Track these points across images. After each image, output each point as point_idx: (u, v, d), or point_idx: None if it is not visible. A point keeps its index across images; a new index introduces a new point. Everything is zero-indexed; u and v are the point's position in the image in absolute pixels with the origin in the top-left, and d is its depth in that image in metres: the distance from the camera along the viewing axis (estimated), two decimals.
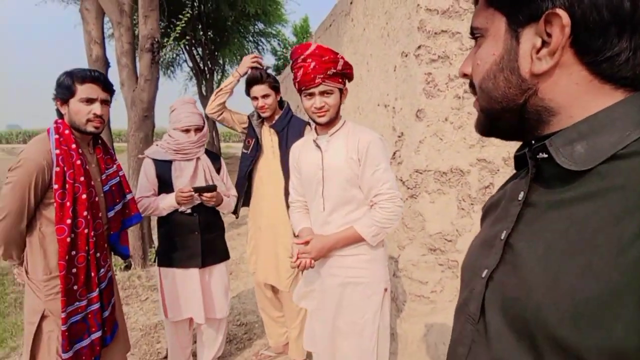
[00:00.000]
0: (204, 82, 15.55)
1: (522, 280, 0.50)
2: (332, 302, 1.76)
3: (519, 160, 0.61)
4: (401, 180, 2.75)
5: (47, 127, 1.76)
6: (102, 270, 1.89)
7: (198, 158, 2.34)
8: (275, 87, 2.41)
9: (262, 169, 2.50)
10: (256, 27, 15.39)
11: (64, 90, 1.72)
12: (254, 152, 2.49)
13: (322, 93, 1.66)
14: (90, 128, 1.76)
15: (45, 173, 1.64)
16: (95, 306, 1.85)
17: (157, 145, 2.37)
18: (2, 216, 1.65)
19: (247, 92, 2.44)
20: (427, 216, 2.78)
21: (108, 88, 1.80)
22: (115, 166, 1.98)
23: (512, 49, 0.53)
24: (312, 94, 1.67)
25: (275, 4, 13.48)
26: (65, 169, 1.66)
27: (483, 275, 0.58)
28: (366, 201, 1.73)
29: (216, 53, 15.61)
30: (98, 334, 1.85)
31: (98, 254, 1.84)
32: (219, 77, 17.10)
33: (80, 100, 1.72)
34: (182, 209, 2.30)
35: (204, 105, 15.53)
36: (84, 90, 1.72)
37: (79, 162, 1.71)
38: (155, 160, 2.31)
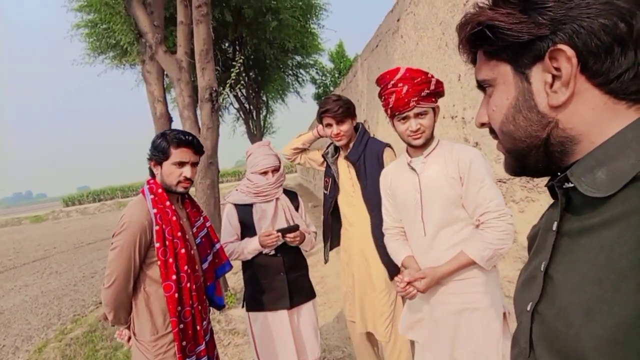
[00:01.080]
0: (251, 121, 16.19)
1: (561, 311, 0.51)
2: (448, 333, 1.66)
3: (552, 191, 0.62)
4: None
5: (141, 189, 1.85)
6: (205, 322, 1.91)
7: (277, 198, 2.36)
8: (350, 112, 2.33)
9: (344, 207, 2.42)
10: (294, 60, 15.90)
11: (159, 153, 1.80)
12: (332, 192, 2.44)
13: (416, 115, 1.63)
14: (179, 189, 1.83)
15: (147, 233, 1.71)
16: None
17: (237, 190, 2.41)
18: (111, 281, 1.71)
19: (320, 120, 2.38)
20: (518, 227, 2.60)
21: (198, 151, 1.88)
22: (202, 218, 2.03)
23: (524, 89, 0.55)
24: (406, 118, 1.65)
25: (312, 35, 13.88)
26: (164, 226, 1.72)
27: (528, 309, 0.59)
28: (471, 220, 1.65)
29: (260, 92, 16.25)
30: None
31: (200, 307, 1.87)
32: (264, 114, 17.73)
33: (173, 164, 1.79)
34: (266, 250, 2.31)
35: (254, 142, 16.11)
36: (177, 154, 1.80)
37: (174, 218, 1.77)
38: (237, 206, 2.35)
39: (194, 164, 1.87)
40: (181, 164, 1.81)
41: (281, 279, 2.33)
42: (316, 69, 17.89)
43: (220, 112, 17.70)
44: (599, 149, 0.51)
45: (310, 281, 2.51)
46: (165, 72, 4.64)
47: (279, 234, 2.23)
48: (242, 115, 16.27)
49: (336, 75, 22.40)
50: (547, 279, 0.56)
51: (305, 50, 14.50)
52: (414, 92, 1.59)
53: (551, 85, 0.52)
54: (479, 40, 0.57)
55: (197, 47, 4.18)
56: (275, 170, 2.34)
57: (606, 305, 0.44)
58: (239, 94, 15.72)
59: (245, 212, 2.34)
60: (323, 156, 2.51)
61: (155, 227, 1.70)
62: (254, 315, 2.37)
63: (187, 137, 1.84)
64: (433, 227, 1.67)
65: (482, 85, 0.61)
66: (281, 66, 15.44)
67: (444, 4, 2.98)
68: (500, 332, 1.62)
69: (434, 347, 1.72)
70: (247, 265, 2.40)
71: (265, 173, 2.32)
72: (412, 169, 1.73)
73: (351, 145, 2.34)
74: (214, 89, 4.26)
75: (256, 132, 15.87)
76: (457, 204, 1.64)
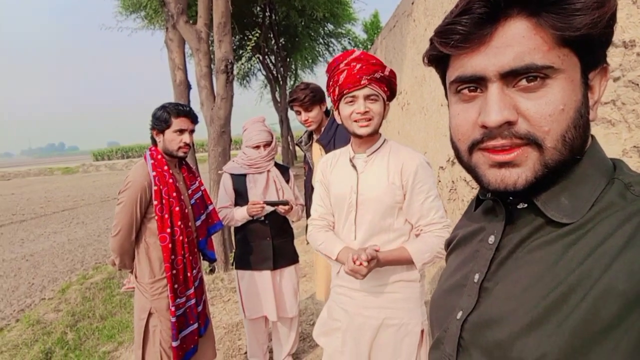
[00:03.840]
0: (277, 88, 16.38)
1: (503, 322, 0.52)
2: (363, 346, 1.63)
3: (479, 203, 0.67)
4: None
5: (144, 154, 2.20)
6: (195, 271, 2.28)
7: (269, 171, 2.68)
8: (317, 98, 2.49)
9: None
10: (326, 29, 15.86)
11: (162, 123, 2.13)
12: (309, 178, 2.64)
13: (366, 98, 1.54)
14: (180, 153, 2.18)
15: (147, 192, 2.06)
16: (192, 302, 2.24)
17: (233, 161, 2.75)
18: (117, 231, 2.08)
19: (290, 107, 2.60)
20: None
21: (195, 120, 2.22)
22: (197, 182, 2.39)
23: (585, 95, 0.52)
24: (354, 98, 1.54)
25: (343, 4, 13.78)
26: (162, 187, 2.07)
27: (458, 317, 0.60)
28: (404, 231, 1.62)
29: (288, 59, 16.36)
30: (195, 326, 2.24)
31: (191, 257, 2.23)
32: (292, 82, 17.90)
33: (174, 131, 2.13)
34: (256, 216, 2.64)
35: (279, 111, 16.36)
36: (178, 123, 2.13)
37: (171, 180, 2.11)
38: (232, 175, 2.69)
39: (191, 132, 2.21)
40: (181, 132, 2.14)
41: (267, 244, 2.67)
42: (349, 38, 17.78)
43: (247, 78, 17.85)
44: (563, 175, 0.53)
45: (295, 247, 2.84)
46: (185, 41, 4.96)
47: (264, 204, 2.55)
48: (269, 82, 16.53)
49: (369, 46, 22.18)
50: (483, 290, 0.58)
51: (336, 20, 14.47)
52: (367, 71, 1.51)
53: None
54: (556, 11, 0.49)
55: (215, 20, 4.46)
56: (267, 144, 2.65)
57: (554, 317, 0.47)
58: (268, 60, 15.91)
59: (239, 181, 2.67)
60: (297, 144, 2.76)
61: (154, 188, 2.05)
62: (241, 273, 2.73)
63: (185, 107, 2.18)
64: (365, 232, 1.61)
65: (534, 71, 0.50)
66: (312, 34, 15.44)
67: None
68: (415, 348, 1.60)
69: (345, 358, 1.67)
70: (238, 229, 2.75)
71: (257, 147, 2.63)
72: (353, 165, 1.66)
73: (322, 129, 2.54)
74: (230, 61, 4.55)
75: (281, 100, 16.11)
76: (392, 212, 1.59)
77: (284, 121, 16.41)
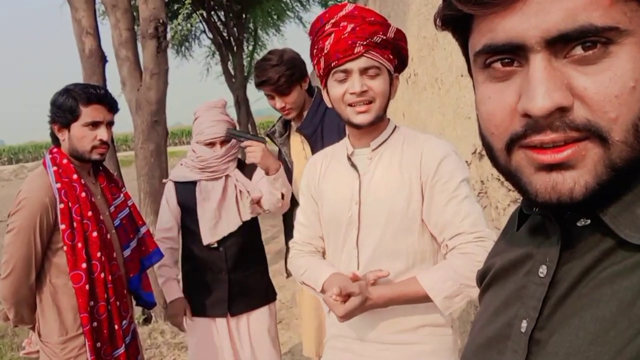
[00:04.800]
0: (230, 57, 16.33)
1: None
2: None
3: (523, 219, 0.68)
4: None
5: (43, 159, 2.21)
6: (125, 322, 2.29)
7: (227, 176, 2.69)
8: (295, 76, 2.49)
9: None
10: None
11: (66, 114, 2.13)
12: (288, 177, 2.61)
13: (363, 71, 1.53)
14: (95, 156, 2.18)
15: (49, 212, 2.06)
16: None
17: (181, 164, 2.77)
18: (8, 270, 2.06)
19: (258, 88, 2.58)
20: None
21: (114, 109, 2.23)
22: (122, 195, 2.41)
23: None
24: (347, 73, 1.54)
25: None
26: (70, 204, 2.08)
27: None
28: (438, 250, 1.63)
29: (244, 15, 16.34)
30: None
31: (118, 303, 2.23)
32: (250, 47, 17.87)
33: (84, 125, 2.13)
34: (206, 242, 2.64)
35: (234, 89, 16.31)
36: (89, 113, 2.13)
37: (83, 194, 2.13)
38: (177, 184, 2.72)
39: (109, 124, 2.22)
40: (94, 125, 2.15)
41: (221, 280, 2.69)
42: None
43: (186, 44, 17.76)
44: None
45: (269, 280, 2.87)
46: None
47: (228, 137, 2.57)
48: (218, 49, 16.47)
49: None
50: (533, 343, 0.58)
51: None
52: (363, 33, 1.49)
53: None
54: None
55: None
56: (226, 141, 2.65)
57: None
58: (214, 18, 15.89)
59: (186, 191, 2.69)
60: (268, 136, 2.76)
61: (60, 206, 2.06)
62: (191, 323, 2.75)
63: (98, 90, 2.19)
64: (371, 257, 1.60)
65: (592, 35, 0.50)
66: None
67: None
68: None
69: None
70: (186, 257, 2.77)
71: (212, 144, 2.64)
72: (353, 165, 1.67)
73: (304, 115, 2.58)
74: (161, 20, 4.56)
75: (237, 74, 16.07)
76: (410, 227, 1.58)
77: (242, 103, 16.35)
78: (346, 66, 1.53)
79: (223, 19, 16.21)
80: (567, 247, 0.59)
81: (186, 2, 6.55)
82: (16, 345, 5.09)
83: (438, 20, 0.62)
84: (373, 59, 1.53)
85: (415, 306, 1.58)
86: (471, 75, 0.63)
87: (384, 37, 1.52)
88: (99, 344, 2.15)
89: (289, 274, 2.75)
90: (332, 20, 1.54)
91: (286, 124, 2.74)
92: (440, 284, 1.49)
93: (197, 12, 11.92)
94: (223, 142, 2.65)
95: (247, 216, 2.68)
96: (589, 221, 0.57)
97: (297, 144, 2.64)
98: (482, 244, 1.48)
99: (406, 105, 4.95)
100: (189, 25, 15.53)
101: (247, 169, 2.78)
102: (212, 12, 15.44)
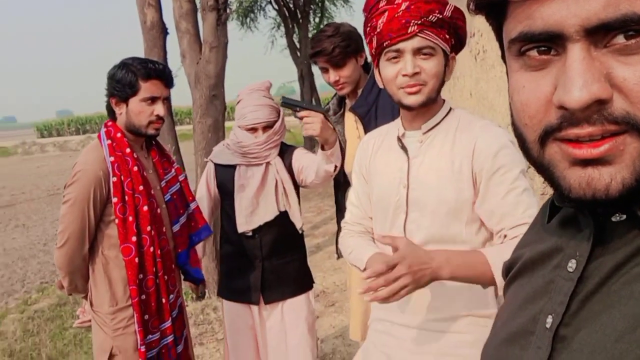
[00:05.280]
0: (296, 29, 16.31)
1: None
2: None
3: (554, 211, 0.67)
4: None
5: (98, 132, 2.26)
6: (172, 296, 2.33)
7: (268, 163, 2.65)
8: (351, 49, 2.45)
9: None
10: None
11: (125, 88, 2.16)
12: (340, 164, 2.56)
13: (417, 52, 1.52)
14: (151, 131, 2.22)
15: (103, 185, 2.11)
16: (169, 339, 2.30)
17: (224, 144, 2.75)
18: (63, 240, 2.13)
19: (314, 61, 2.55)
20: None
21: (170, 84, 2.25)
22: (174, 170, 2.43)
23: None
24: (399, 53, 1.53)
25: None
26: (123, 177, 2.12)
27: None
28: (487, 241, 1.62)
29: None
30: None
31: (166, 277, 2.28)
32: (316, 20, 17.79)
33: (142, 100, 2.16)
34: (241, 230, 2.61)
35: (299, 63, 16.31)
36: (148, 88, 2.17)
37: (135, 168, 2.16)
38: (217, 166, 2.71)
39: (166, 99, 2.24)
40: (152, 100, 2.18)
41: (255, 267, 2.67)
42: None
43: (252, 16, 17.86)
44: None
45: (306, 268, 2.83)
46: None
47: (284, 106, 2.51)
48: (283, 21, 16.49)
49: None
50: (558, 339, 0.58)
51: None
52: (418, 12, 1.47)
53: None
54: None
55: None
56: (268, 126, 2.60)
57: None
58: None
59: (225, 174, 2.68)
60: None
61: (113, 179, 2.10)
62: (226, 304, 2.77)
63: (157, 65, 2.21)
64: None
65: (608, 26, 0.49)
66: None
67: None
68: None
69: None
70: (223, 240, 2.77)
71: (253, 129, 2.60)
72: (403, 147, 1.67)
73: (359, 93, 2.52)
74: None
75: (302, 47, 16.04)
76: (459, 216, 1.58)
77: (306, 78, 16.33)
78: (399, 46, 1.52)
79: None
80: (599, 242, 0.58)
81: None
82: (77, 314, 5.35)
83: (472, 4, 0.60)
84: (427, 39, 1.51)
85: (458, 294, 1.59)
86: (505, 63, 0.62)
87: (440, 16, 1.50)
88: (146, 317, 2.20)
89: (339, 255, 2.70)
90: None
91: (341, 102, 2.69)
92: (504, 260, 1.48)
93: None
94: (265, 128, 2.60)
95: (284, 206, 2.66)
96: (624, 217, 0.56)
97: (351, 122, 2.60)
98: None
99: (474, 84, 4.82)
100: None
101: (287, 152, 2.73)
102: None
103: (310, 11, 16.73)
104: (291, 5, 16.23)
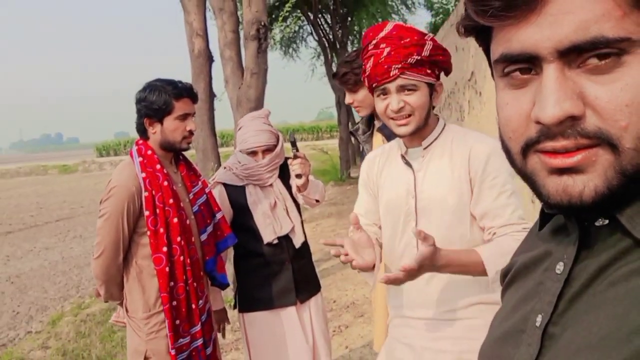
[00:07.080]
0: (334, 58, 16.45)
1: None
2: None
3: (546, 218, 0.68)
4: None
5: (130, 150, 2.34)
6: (201, 301, 2.40)
7: (270, 185, 2.72)
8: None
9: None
10: None
11: (160, 109, 2.25)
12: None
13: (400, 89, 1.64)
14: (184, 145, 2.33)
15: (136, 200, 2.20)
16: (199, 342, 2.36)
17: (225, 168, 2.80)
18: (99, 251, 2.22)
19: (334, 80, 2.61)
20: None
21: (196, 101, 2.36)
22: (200, 183, 2.51)
23: None
24: (386, 92, 1.66)
25: None
26: (154, 192, 2.21)
27: None
28: (483, 236, 1.69)
29: (349, 18, 16.41)
30: None
31: (195, 284, 2.35)
32: (354, 49, 17.90)
33: (176, 118, 2.27)
34: (267, 240, 2.67)
35: (336, 89, 16.41)
36: (180, 106, 2.27)
37: (166, 183, 2.25)
38: (227, 185, 2.75)
39: (193, 115, 2.36)
40: (184, 117, 2.29)
41: (285, 270, 2.71)
42: None
43: (293, 45, 18.11)
44: None
45: (315, 270, 2.91)
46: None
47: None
48: (323, 50, 16.65)
49: None
50: (547, 337, 0.59)
51: None
52: (397, 57, 1.59)
53: None
54: None
55: None
56: (269, 150, 2.67)
57: None
58: (321, 20, 16.08)
59: (237, 193, 2.73)
60: (351, 133, 2.75)
61: (145, 194, 2.19)
62: (250, 317, 2.75)
63: (185, 85, 2.33)
64: None
65: (604, 46, 0.50)
66: None
67: None
68: None
69: None
70: (243, 255, 2.79)
71: (254, 153, 2.67)
72: (407, 163, 1.77)
73: None
74: (262, 23, 4.70)
75: None
76: (462, 219, 1.68)
77: (342, 104, 16.33)
78: (384, 86, 1.65)
79: (329, 22, 16.39)
80: (585, 245, 0.60)
81: (286, 5, 6.67)
82: (111, 321, 5.47)
83: (461, 28, 0.64)
84: (409, 79, 1.63)
85: (471, 285, 1.68)
86: (494, 79, 0.65)
87: (419, 57, 1.61)
88: (177, 322, 2.26)
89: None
90: (374, 42, 1.66)
91: (370, 122, 2.72)
92: (497, 257, 1.53)
93: (303, 14, 12.12)
94: (265, 152, 2.67)
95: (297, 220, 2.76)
96: (606, 221, 0.58)
97: (379, 142, 2.61)
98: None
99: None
100: (296, 27, 15.90)
101: (286, 171, 2.75)
102: (319, 15, 15.65)
103: (348, 41, 16.86)
104: (331, 37, 16.43)
